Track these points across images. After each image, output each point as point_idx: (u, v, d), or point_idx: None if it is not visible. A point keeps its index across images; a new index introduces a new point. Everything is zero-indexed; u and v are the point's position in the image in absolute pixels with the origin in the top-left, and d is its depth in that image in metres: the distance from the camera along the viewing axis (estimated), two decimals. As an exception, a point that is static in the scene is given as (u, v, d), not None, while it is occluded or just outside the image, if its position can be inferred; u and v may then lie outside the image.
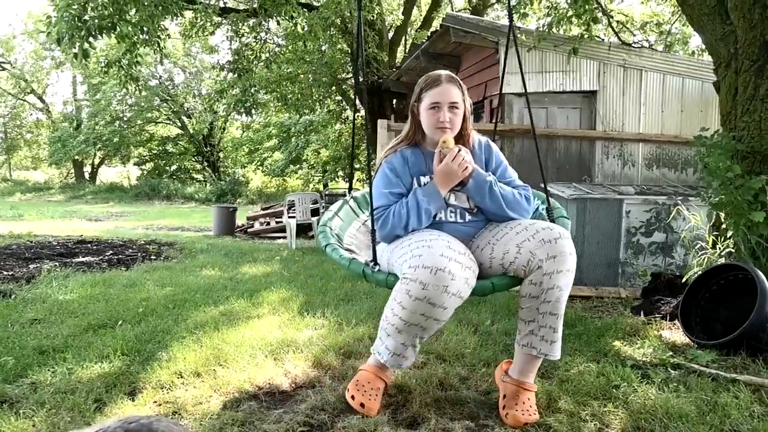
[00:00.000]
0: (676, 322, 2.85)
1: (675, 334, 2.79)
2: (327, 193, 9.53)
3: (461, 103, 1.97)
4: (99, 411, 1.86)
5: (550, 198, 2.21)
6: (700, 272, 2.91)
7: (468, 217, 1.99)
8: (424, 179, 1.99)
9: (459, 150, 1.92)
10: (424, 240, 1.79)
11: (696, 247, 3.28)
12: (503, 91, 5.27)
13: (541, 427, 1.75)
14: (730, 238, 3.01)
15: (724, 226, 3.06)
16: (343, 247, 2.13)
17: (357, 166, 12.48)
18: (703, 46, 3.73)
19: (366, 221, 2.37)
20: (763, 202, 2.84)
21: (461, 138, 2.03)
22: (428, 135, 2.02)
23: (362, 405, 1.82)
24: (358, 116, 13.21)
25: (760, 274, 2.48)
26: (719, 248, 3.09)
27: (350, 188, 2.46)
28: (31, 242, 6.24)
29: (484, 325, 2.86)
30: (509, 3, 2.38)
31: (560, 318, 1.81)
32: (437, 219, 1.96)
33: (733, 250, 3.01)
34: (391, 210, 1.92)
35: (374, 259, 1.92)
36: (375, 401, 1.85)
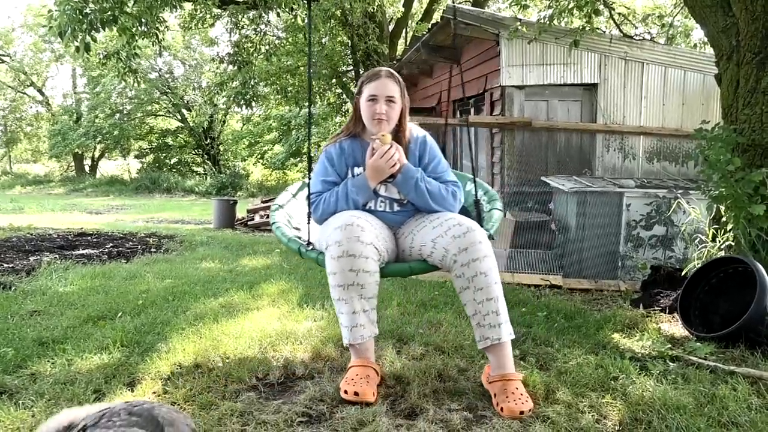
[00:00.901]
0: (675, 314, 2.86)
1: (674, 326, 2.79)
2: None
3: (398, 98, 2.12)
4: (98, 402, 1.86)
5: (481, 189, 2.38)
6: (699, 265, 2.91)
7: (396, 207, 2.16)
8: (357, 170, 2.16)
9: (390, 146, 2.06)
10: (341, 215, 2.01)
11: (696, 241, 3.28)
12: (504, 84, 5.26)
13: (538, 418, 1.76)
14: (730, 231, 3.01)
15: (724, 219, 3.06)
16: (291, 226, 2.33)
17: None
18: (705, 39, 3.71)
19: None
20: (764, 195, 2.83)
21: (398, 132, 2.16)
22: (367, 126, 2.16)
23: (356, 393, 1.83)
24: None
25: (760, 267, 2.48)
26: (719, 241, 3.08)
27: (310, 170, 2.60)
28: (32, 235, 6.25)
29: (484, 318, 2.86)
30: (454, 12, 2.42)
31: (498, 300, 1.89)
32: (367, 207, 2.14)
33: (732, 244, 3.01)
34: (323, 197, 2.11)
35: (308, 239, 2.14)
36: (368, 387, 1.86)
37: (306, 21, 8.33)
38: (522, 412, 1.76)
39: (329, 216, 2.08)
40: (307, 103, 13.09)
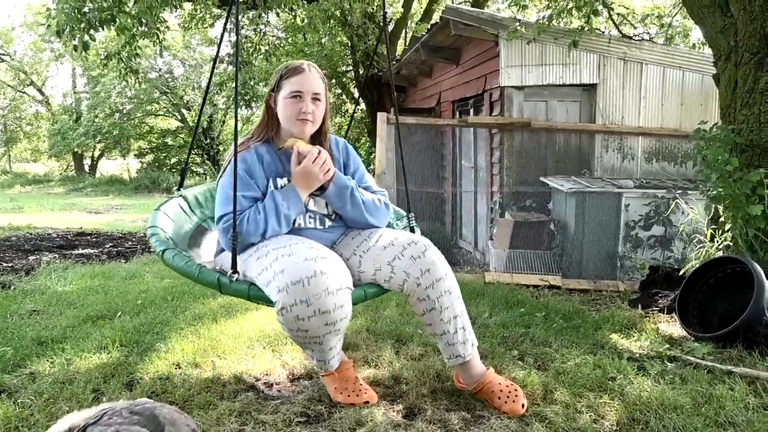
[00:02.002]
0: (674, 315, 2.86)
1: (672, 327, 2.80)
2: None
3: (323, 96, 1.85)
4: (97, 401, 1.87)
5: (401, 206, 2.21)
6: (697, 265, 2.91)
7: (328, 223, 1.90)
8: (281, 181, 1.84)
9: (319, 151, 1.80)
10: (283, 248, 1.66)
11: (694, 241, 3.28)
12: (503, 84, 5.26)
13: (536, 417, 1.76)
14: (728, 231, 3.02)
15: (722, 219, 3.06)
16: (182, 253, 1.88)
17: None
18: (704, 39, 3.71)
19: (202, 224, 2.18)
20: (761, 196, 2.84)
21: (319, 136, 1.91)
22: (285, 128, 1.86)
23: (367, 402, 1.83)
24: (357, 109, 13.18)
25: (758, 267, 2.48)
26: (717, 241, 3.09)
27: (181, 184, 2.19)
28: (31, 234, 6.25)
29: (482, 318, 2.87)
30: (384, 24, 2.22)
31: (463, 315, 1.84)
32: (296, 225, 1.84)
33: (731, 244, 3.02)
34: (246, 216, 1.75)
35: (234, 268, 1.70)
36: (364, 390, 1.86)
37: (304, 20, 8.33)
38: (523, 405, 1.78)
39: (257, 238, 1.75)
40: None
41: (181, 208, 2.13)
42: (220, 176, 1.84)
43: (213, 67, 2.22)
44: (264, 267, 1.65)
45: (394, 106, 2.34)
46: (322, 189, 1.85)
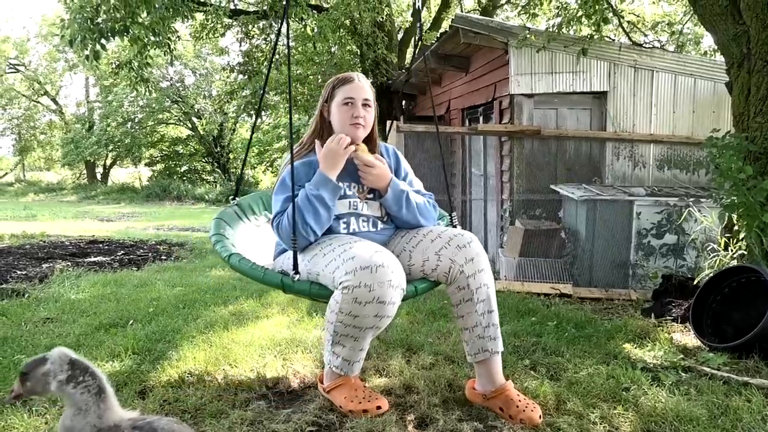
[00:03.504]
0: (687, 324, 2.83)
1: (686, 336, 2.77)
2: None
3: (373, 102, 1.98)
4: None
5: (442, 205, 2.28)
6: (711, 274, 2.88)
7: (380, 225, 2.01)
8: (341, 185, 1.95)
9: (380, 161, 1.94)
10: (348, 243, 1.80)
11: (707, 249, 3.25)
12: (513, 92, 5.26)
13: (550, 427, 1.75)
14: (742, 240, 2.99)
15: (736, 227, 3.03)
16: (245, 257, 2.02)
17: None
18: (716, 46, 3.70)
19: (256, 228, 2.33)
20: (776, 204, 2.81)
21: (370, 142, 2.02)
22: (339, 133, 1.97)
23: (379, 408, 1.82)
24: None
25: (773, 276, 2.46)
26: (731, 250, 3.06)
27: (236, 193, 2.37)
28: (44, 242, 6.31)
29: (493, 327, 2.85)
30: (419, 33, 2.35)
31: (496, 313, 1.90)
32: (351, 230, 1.95)
33: (745, 252, 2.98)
34: (286, 213, 1.88)
35: (295, 268, 1.82)
36: (377, 397, 1.85)
37: (314, 30, 8.40)
38: (540, 416, 1.78)
39: (300, 226, 1.83)
40: (314, 112, 13.20)
41: (237, 215, 2.28)
42: (277, 184, 1.96)
43: (267, 74, 2.28)
44: (332, 258, 1.78)
45: (434, 114, 2.43)
46: (375, 193, 1.97)
